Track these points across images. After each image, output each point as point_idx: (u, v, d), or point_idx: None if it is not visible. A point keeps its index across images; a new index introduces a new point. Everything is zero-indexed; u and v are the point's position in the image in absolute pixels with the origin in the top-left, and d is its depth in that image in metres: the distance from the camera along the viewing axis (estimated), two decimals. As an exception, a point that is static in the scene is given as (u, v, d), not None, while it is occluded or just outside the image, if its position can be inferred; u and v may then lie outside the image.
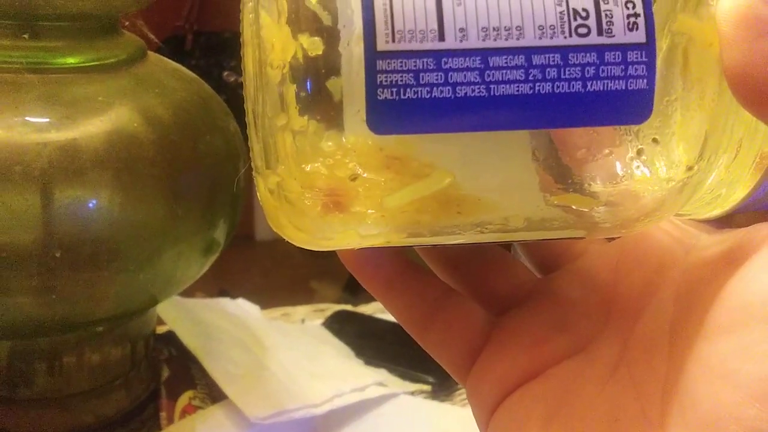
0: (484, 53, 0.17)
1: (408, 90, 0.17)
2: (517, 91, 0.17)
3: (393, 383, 0.52)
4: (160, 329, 0.53)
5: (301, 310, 0.63)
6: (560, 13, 0.17)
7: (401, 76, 0.16)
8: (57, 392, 0.43)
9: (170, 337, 0.52)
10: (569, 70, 0.17)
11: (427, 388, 0.52)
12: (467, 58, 0.17)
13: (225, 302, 0.60)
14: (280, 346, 0.53)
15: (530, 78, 0.17)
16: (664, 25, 0.17)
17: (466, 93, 0.17)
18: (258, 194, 0.19)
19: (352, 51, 0.17)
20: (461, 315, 0.23)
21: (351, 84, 0.17)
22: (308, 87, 0.17)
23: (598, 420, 0.20)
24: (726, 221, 0.22)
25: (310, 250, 0.20)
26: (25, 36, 0.38)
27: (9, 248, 0.36)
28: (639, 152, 0.18)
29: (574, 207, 0.19)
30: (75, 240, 0.37)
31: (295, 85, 0.17)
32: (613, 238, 0.23)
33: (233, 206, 0.44)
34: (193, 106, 0.42)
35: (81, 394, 0.44)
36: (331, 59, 0.17)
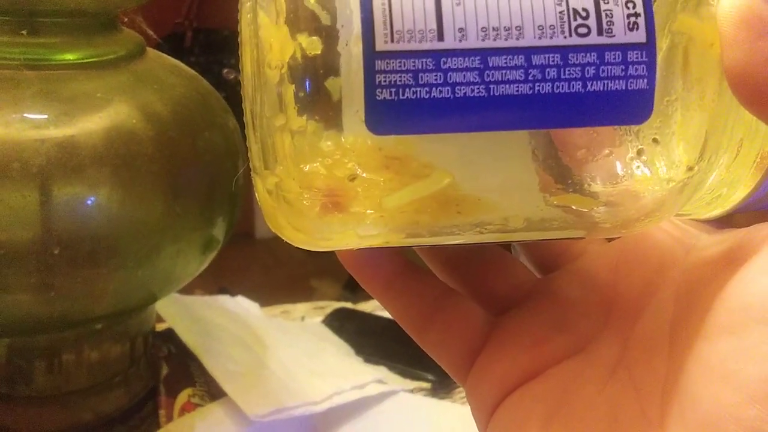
0: (484, 53, 0.17)
1: (407, 90, 0.16)
2: (517, 91, 0.17)
3: (393, 381, 0.52)
4: (160, 326, 0.53)
5: (300, 308, 0.63)
6: (560, 12, 0.17)
7: (400, 76, 0.16)
8: (56, 390, 0.43)
9: (169, 335, 0.52)
10: (569, 70, 0.17)
11: (426, 385, 0.52)
12: (466, 58, 0.16)
13: (224, 300, 0.59)
14: (279, 344, 0.53)
15: (530, 78, 0.17)
16: (664, 24, 0.17)
17: (465, 93, 0.17)
18: (256, 195, 0.19)
19: (351, 51, 0.16)
20: (460, 315, 0.23)
21: (350, 84, 0.17)
22: (307, 87, 0.17)
23: (597, 420, 0.20)
24: (726, 221, 0.22)
25: (309, 249, 0.20)
26: (24, 32, 0.38)
27: (7, 245, 0.36)
28: (639, 152, 0.18)
29: (574, 207, 0.19)
30: (73, 237, 0.37)
31: (293, 85, 0.17)
32: (613, 238, 0.23)
33: (232, 203, 0.44)
34: (192, 103, 0.42)
35: (80, 391, 0.44)
36: (329, 59, 0.17)
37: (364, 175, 0.18)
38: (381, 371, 0.52)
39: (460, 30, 0.16)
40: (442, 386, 0.53)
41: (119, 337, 0.45)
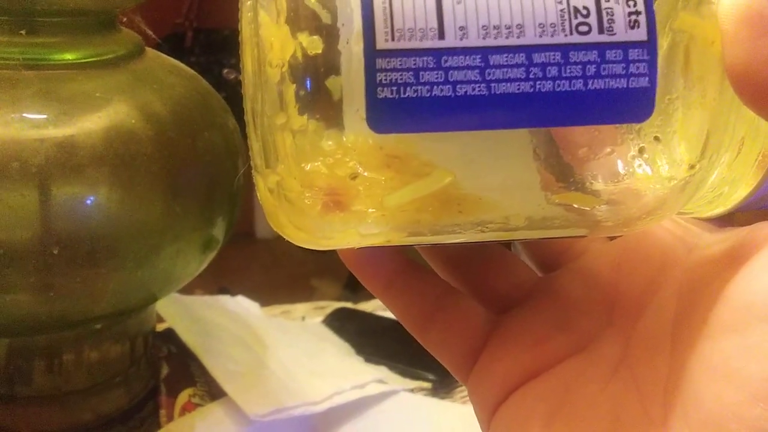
0: (485, 51, 0.16)
1: (408, 89, 0.16)
2: (518, 89, 0.17)
3: (393, 380, 0.52)
4: (160, 327, 0.53)
5: (301, 308, 0.63)
6: (561, 11, 0.17)
7: (401, 75, 0.16)
8: (56, 390, 0.43)
9: (170, 335, 0.52)
10: (570, 69, 0.17)
11: (427, 385, 0.52)
12: (467, 57, 0.16)
13: (225, 300, 0.59)
14: (280, 344, 0.53)
15: (531, 76, 0.17)
16: (665, 23, 0.17)
17: (466, 91, 0.17)
18: (258, 193, 0.19)
19: (352, 49, 0.16)
20: (462, 314, 0.23)
21: (350, 83, 0.17)
22: (307, 86, 0.17)
23: (600, 419, 0.20)
24: (727, 219, 0.22)
25: (311, 249, 0.20)
26: (23, 32, 0.38)
27: (6, 245, 0.36)
28: (641, 150, 0.18)
29: (575, 206, 0.19)
30: (73, 237, 0.37)
31: (294, 84, 0.17)
32: (615, 237, 0.23)
33: (232, 203, 0.44)
34: (192, 103, 0.42)
35: (80, 391, 0.44)
36: (330, 58, 0.17)
37: (366, 173, 0.18)
38: (381, 371, 0.52)
39: (461, 28, 0.16)
40: (442, 386, 0.52)
41: (119, 337, 0.45)
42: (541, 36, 0.17)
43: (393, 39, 0.16)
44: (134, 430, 0.46)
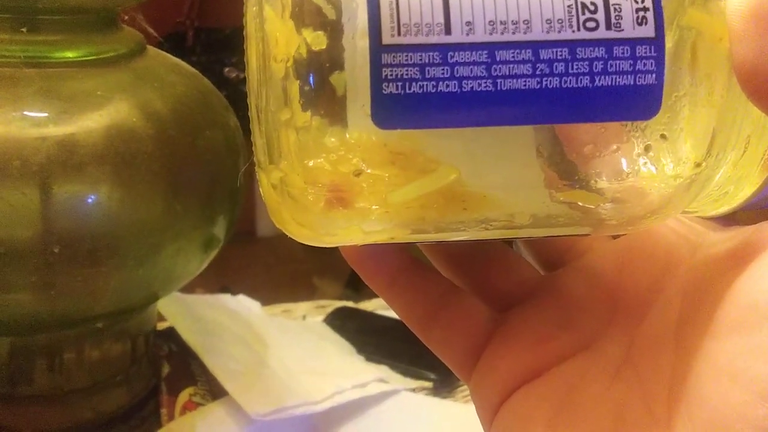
0: (491, 47, 0.16)
1: (414, 84, 0.16)
2: (524, 85, 0.17)
3: (394, 380, 0.52)
4: (161, 325, 0.52)
5: (302, 307, 0.63)
6: (568, 6, 0.17)
7: (407, 70, 0.16)
8: (57, 389, 0.43)
9: (171, 334, 0.52)
10: (577, 65, 0.17)
11: (428, 384, 0.52)
12: (474, 52, 0.16)
13: (226, 299, 0.59)
14: (280, 343, 0.53)
15: (537, 72, 0.17)
16: (672, 19, 0.17)
17: (472, 87, 0.16)
18: (261, 190, 0.19)
19: (357, 45, 0.16)
20: (465, 312, 0.23)
21: (355, 78, 0.16)
22: (311, 81, 0.17)
23: (603, 418, 0.20)
24: (730, 218, 0.21)
25: (312, 247, 0.20)
26: (24, 30, 0.37)
27: (7, 244, 0.36)
28: (646, 148, 0.18)
29: (580, 203, 0.19)
30: (74, 235, 0.37)
31: (298, 80, 0.17)
32: (619, 236, 0.23)
33: (233, 202, 0.44)
34: (193, 101, 0.42)
35: (81, 390, 0.44)
36: (334, 53, 0.16)
37: (369, 170, 0.17)
38: (382, 370, 0.52)
39: (468, 24, 0.16)
40: (443, 385, 0.52)
41: (120, 336, 0.45)
42: (548, 32, 0.16)
43: (399, 34, 0.16)
44: (135, 429, 0.46)
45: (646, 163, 0.18)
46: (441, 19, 0.16)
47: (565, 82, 0.17)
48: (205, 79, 0.45)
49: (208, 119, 0.42)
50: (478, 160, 0.18)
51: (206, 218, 0.42)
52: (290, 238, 0.19)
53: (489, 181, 0.18)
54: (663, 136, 0.18)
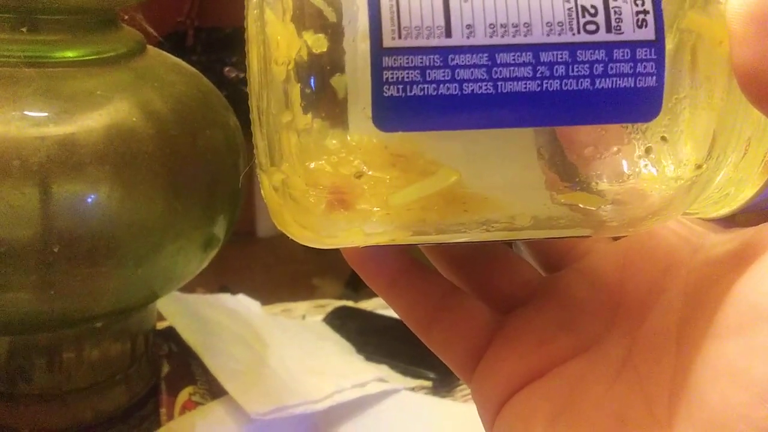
0: (492, 50, 0.16)
1: (414, 87, 0.16)
2: (525, 88, 0.17)
3: (394, 379, 0.52)
4: (160, 325, 0.52)
5: (301, 306, 0.63)
6: (568, 9, 0.17)
7: (408, 73, 0.16)
8: (56, 388, 0.43)
9: (170, 333, 0.52)
10: (577, 68, 0.17)
11: (427, 384, 0.52)
12: (474, 55, 0.16)
13: (225, 298, 0.59)
14: (280, 342, 0.53)
15: (538, 75, 0.17)
16: (672, 22, 0.17)
17: (473, 90, 0.16)
18: (262, 191, 0.19)
19: (357, 47, 0.16)
20: (466, 314, 0.23)
21: (356, 81, 0.16)
22: (312, 84, 0.17)
23: (604, 420, 0.20)
24: (730, 221, 0.21)
25: (312, 248, 0.20)
26: (24, 29, 0.37)
27: (7, 243, 0.36)
28: (647, 150, 0.18)
29: (581, 205, 0.19)
30: (73, 235, 0.37)
31: (299, 83, 0.17)
32: (620, 237, 0.23)
33: (233, 201, 0.44)
34: (193, 101, 0.42)
35: (81, 390, 0.44)
36: (335, 56, 0.16)
37: (370, 172, 0.17)
38: (382, 370, 0.52)
39: (468, 26, 0.16)
40: (443, 385, 0.52)
41: (120, 336, 0.45)
42: (548, 35, 0.16)
43: (400, 37, 0.16)
44: (135, 428, 0.46)
45: (646, 165, 0.18)
46: (441, 22, 0.16)
47: (566, 84, 0.17)
48: (205, 78, 0.45)
49: (208, 119, 0.42)
50: (479, 162, 0.18)
51: (206, 218, 0.42)
52: (290, 239, 0.19)
53: (490, 183, 0.18)
54: (663, 139, 0.18)
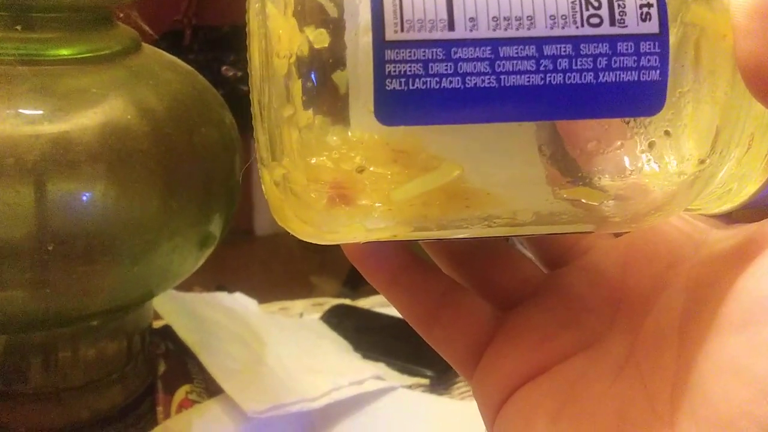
0: (495, 43, 0.16)
1: (417, 80, 0.16)
2: (528, 81, 0.16)
3: (391, 377, 0.52)
4: (157, 323, 0.52)
5: (299, 305, 0.63)
6: (572, 2, 0.16)
7: (410, 66, 0.16)
8: (52, 387, 0.43)
9: (167, 332, 0.52)
10: (581, 61, 0.17)
11: (425, 381, 0.52)
12: (477, 48, 0.16)
13: (222, 296, 0.59)
14: (277, 341, 0.53)
15: (541, 69, 0.16)
16: (676, 15, 0.17)
17: (475, 83, 0.16)
18: (263, 186, 0.18)
19: (359, 42, 0.16)
20: (467, 310, 0.23)
21: (358, 75, 0.16)
22: (314, 79, 0.16)
23: (606, 416, 0.19)
24: (731, 217, 0.21)
25: (310, 246, 0.20)
26: (18, 27, 0.37)
27: (1, 242, 0.36)
28: (650, 145, 0.18)
29: (583, 201, 0.18)
30: (68, 233, 0.36)
31: (301, 78, 0.16)
32: (622, 233, 0.23)
33: (229, 199, 0.44)
34: (188, 98, 0.42)
35: (76, 388, 0.44)
36: (337, 51, 0.16)
37: (372, 168, 0.17)
38: (379, 367, 0.52)
39: (471, 19, 0.16)
40: (440, 382, 0.52)
41: (116, 334, 0.45)
42: (552, 28, 0.16)
43: (402, 30, 0.16)
44: (131, 427, 0.45)
45: (649, 160, 0.18)
46: (444, 15, 0.16)
47: (569, 78, 0.17)
48: (201, 76, 0.45)
49: (203, 116, 0.42)
50: (481, 157, 0.18)
51: (202, 215, 0.42)
52: (288, 237, 0.19)
53: (492, 179, 0.18)
54: (666, 133, 0.18)
